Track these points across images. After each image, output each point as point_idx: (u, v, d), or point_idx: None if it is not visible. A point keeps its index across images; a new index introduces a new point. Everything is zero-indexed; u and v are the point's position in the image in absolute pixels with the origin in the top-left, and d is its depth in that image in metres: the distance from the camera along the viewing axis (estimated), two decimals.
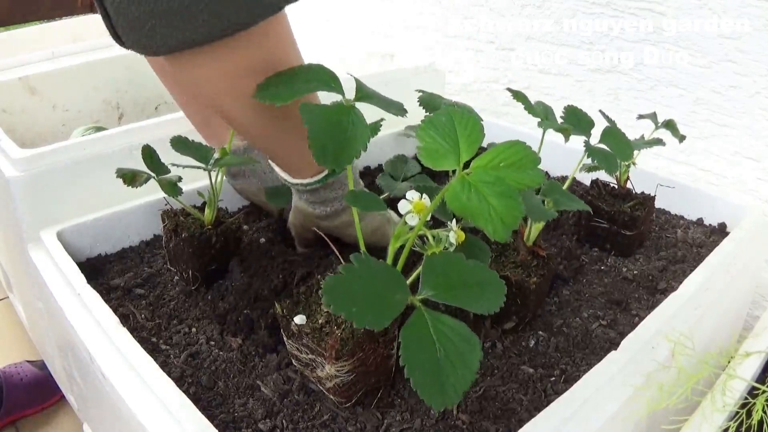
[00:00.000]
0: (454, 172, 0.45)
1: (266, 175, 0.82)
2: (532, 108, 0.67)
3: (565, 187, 0.66)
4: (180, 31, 0.46)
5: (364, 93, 0.55)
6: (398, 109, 0.57)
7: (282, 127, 0.59)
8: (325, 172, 0.66)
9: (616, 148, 0.65)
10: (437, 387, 0.41)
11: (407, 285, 0.47)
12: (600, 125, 0.68)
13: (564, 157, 0.89)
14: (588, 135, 0.66)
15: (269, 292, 0.70)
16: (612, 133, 0.66)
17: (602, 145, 0.65)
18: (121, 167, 0.67)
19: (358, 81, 0.56)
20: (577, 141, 0.68)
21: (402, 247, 0.52)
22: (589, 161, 0.65)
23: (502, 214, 0.43)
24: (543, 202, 0.62)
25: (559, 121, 0.67)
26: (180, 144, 0.69)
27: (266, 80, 0.52)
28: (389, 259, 0.52)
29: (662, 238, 0.84)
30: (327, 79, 0.53)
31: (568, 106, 0.67)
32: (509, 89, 0.70)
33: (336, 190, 0.69)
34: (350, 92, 0.55)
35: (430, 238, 0.52)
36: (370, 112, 0.54)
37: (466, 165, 0.46)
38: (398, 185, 0.90)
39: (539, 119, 0.67)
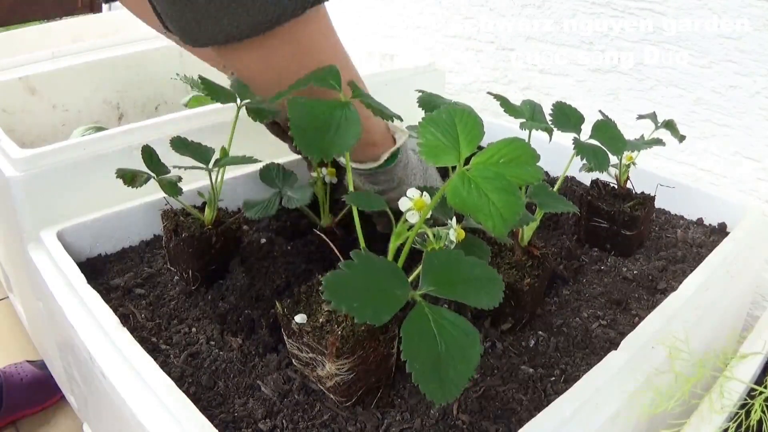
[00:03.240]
0: (453, 168, 0.46)
1: None
2: (513, 110, 0.67)
3: (556, 187, 0.65)
4: (220, 25, 0.50)
5: (357, 93, 0.56)
6: (392, 114, 0.57)
7: None
8: (381, 161, 0.67)
9: (608, 142, 0.64)
10: (437, 381, 0.41)
11: (408, 280, 0.47)
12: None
13: (565, 157, 0.90)
14: (578, 131, 0.65)
15: (270, 292, 0.70)
16: (603, 127, 0.65)
17: (593, 141, 0.64)
18: (121, 167, 0.67)
19: (352, 83, 0.57)
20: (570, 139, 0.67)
21: (402, 244, 0.52)
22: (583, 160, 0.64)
23: (502, 209, 0.43)
24: (533, 205, 0.62)
25: (549, 119, 0.66)
26: (179, 144, 0.69)
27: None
28: (390, 257, 0.52)
29: (662, 238, 0.84)
30: (325, 76, 0.53)
31: (556, 102, 0.67)
32: (490, 92, 0.70)
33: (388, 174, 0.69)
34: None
35: (431, 235, 0.52)
36: None
37: (467, 162, 0.46)
38: None
39: (522, 120, 0.66)
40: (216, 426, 0.50)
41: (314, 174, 0.75)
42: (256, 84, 0.59)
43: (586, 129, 0.66)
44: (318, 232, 0.71)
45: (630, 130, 0.74)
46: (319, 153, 0.48)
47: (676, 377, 0.56)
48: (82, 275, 0.68)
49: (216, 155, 0.70)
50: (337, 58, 0.58)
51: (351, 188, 0.56)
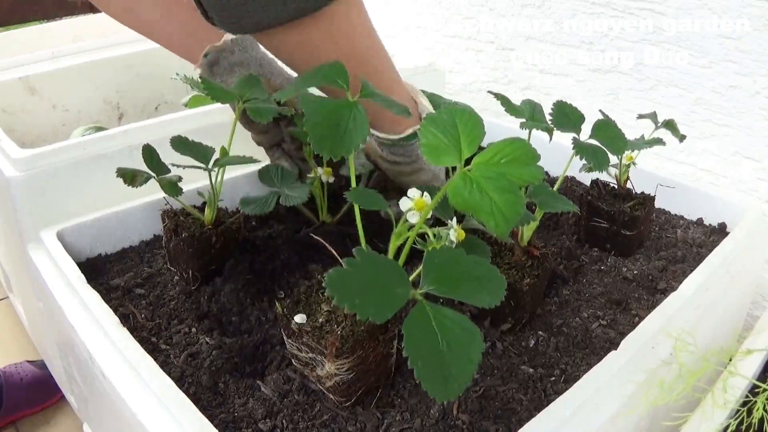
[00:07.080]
0: (454, 169, 0.46)
1: (263, 67, 0.78)
2: (513, 109, 0.67)
3: (555, 187, 0.65)
4: (267, 13, 0.53)
5: (367, 91, 0.55)
6: (401, 110, 0.57)
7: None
8: (407, 132, 0.68)
9: (609, 142, 0.64)
10: (440, 379, 0.41)
11: (409, 279, 0.47)
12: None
13: (565, 157, 0.90)
14: (578, 131, 0.65)
15: (270, 291, 0.70)
16: (604, 126, 0.65)
17: (593, 141, 0.64)
18: (121, 167, 0.67)
19: (363, 80, 0.56)
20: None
21: (402, 245, 0.52)
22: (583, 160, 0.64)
23: (504, 208, 0.43)
24: (533, 205, 0.62)
25: (549, 119, 0.66)
26: (180, 144, 0.69)
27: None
28: (390, 257, 0.52)
29: (662, 238, 0.84)
30: (333, 75, 0.53)
31: (557, 102, 0.67)
32: (490, 92, 0.70)
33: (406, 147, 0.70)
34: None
35: (431, 235, 0.52)
36: None
37: (468, 162, 0.46)
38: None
39: (522, 120, 0.66)
40: (216, 426, 0.50)
41: (311, 174, 0.75)
42: (291, 63, 0.61)
43: (586, 129, 0.66)
44: (312, 235, 0.71)
45: (630, 130, 0.74)
46: (328, 152, 0.48)
47: (680, 369, 0.56)
48: (82, 275, 0.68)
49: (216, 155, 0.70)
50: (371, 40, 0.60)
51: (353, 184, 0.56)
